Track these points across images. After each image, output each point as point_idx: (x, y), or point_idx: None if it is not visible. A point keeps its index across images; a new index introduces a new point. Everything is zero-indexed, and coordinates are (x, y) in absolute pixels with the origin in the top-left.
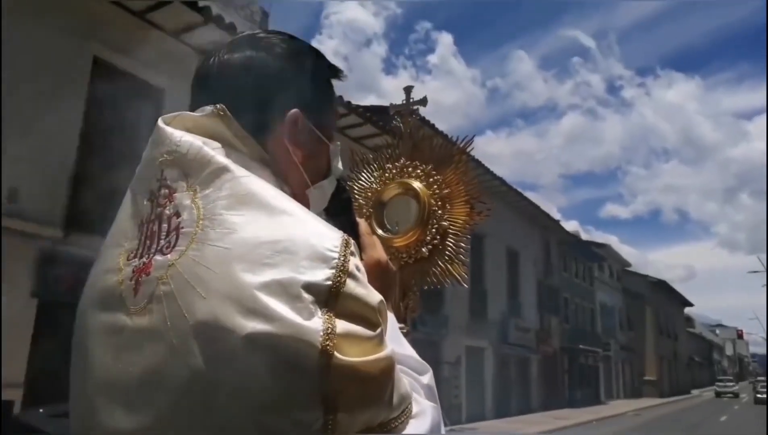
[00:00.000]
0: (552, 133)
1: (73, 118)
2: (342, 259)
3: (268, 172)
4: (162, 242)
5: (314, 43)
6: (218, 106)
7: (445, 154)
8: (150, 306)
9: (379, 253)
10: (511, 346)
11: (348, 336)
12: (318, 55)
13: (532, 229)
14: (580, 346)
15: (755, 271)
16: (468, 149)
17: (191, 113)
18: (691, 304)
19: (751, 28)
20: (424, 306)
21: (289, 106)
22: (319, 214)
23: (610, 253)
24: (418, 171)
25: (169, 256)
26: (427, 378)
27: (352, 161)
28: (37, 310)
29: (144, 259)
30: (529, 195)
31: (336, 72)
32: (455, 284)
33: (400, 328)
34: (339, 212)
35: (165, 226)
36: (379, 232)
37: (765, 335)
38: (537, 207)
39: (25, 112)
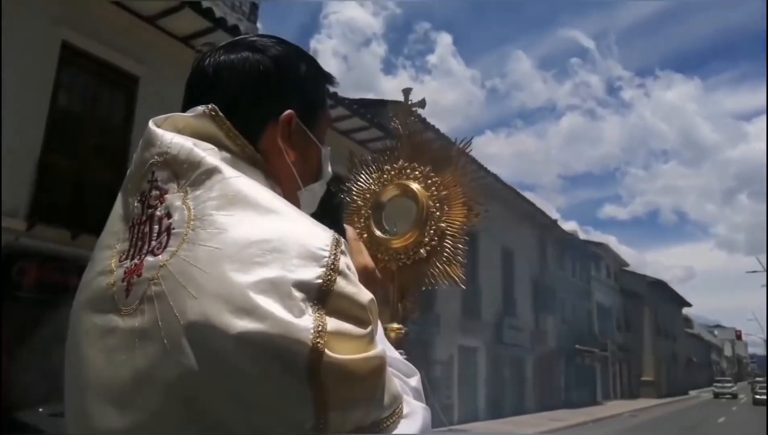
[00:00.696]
0: (551, 133)
1: (39, 105)
2: (332, 257)
3: (260, 173)
4: (153, 243)
5: (313, 43)
6: (209, 106)
7: (444, 156)
8: (142, 307)
9: (365, 259)
10: (505, 346)
11: (339, 334)
12: (311, 60)
13: (527, 227)
14: (577, 347)
15: (754, 272)
16: (466, 151)
17: (182, 114)
18: (689, 305)
19: (751, 29)
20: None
21: (282, 108)
22: None
23: (607, 252)
24: (417, 173)
25: (160, 257)
26: (415, 381)
27: (350, 163)
28: None
29: (135, 261)
30: (528, 195)
31: (328, 78)
32: (453, 285)
33: (398, 329)
34: (328, 217)
35: (156, 227)
36: (378, 233)
37: (764, 336)
38: (533, 205)
39: None
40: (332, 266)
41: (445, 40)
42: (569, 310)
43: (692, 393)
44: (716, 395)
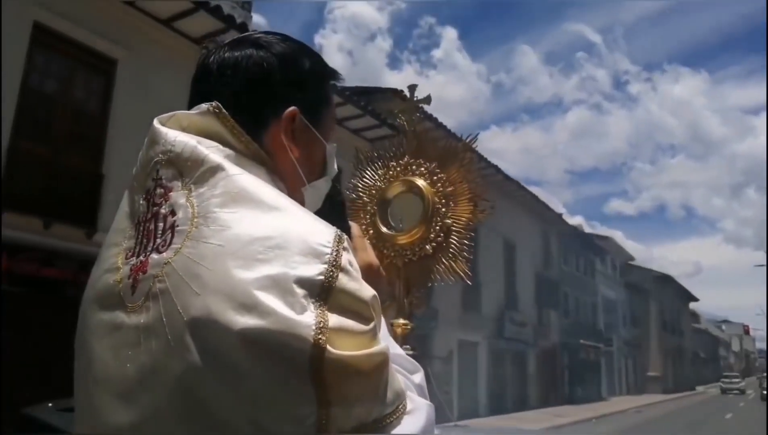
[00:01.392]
0: (557, 128)
1: (9, 88)
2: (334, 254)
3: (264, 170)
4: (158, 241)
5: (318, 38)
6: (213, 103)
7: (449, 152)
8: (147, 303)
9: (370, 256)
10: (507, 341)
11: (340, 330)
12: (316, 57)
13: (530, 220)
14: (581, 341)
15: (761, 265)
16: (472, 147)
17: (186, 112)
18: (696, 299)
19: (758, 23)
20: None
21: (286, 105)
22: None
23: (612, 246)
24: (422, 169)
25: (164, 254)
26: (419, 377)
27: (356, 159)
28: None
29: (141, 258)
30: (534, 190)
31: (334, 74)
32: (459, 281)
33: (405, 325)
34: (332, 214)
35: (161, 224)
36: (384, 229)
37: None
38: (535, 197)
39: None
40: (334, 263)
41: (450, 34)
42: (573, 304)
43: (699, 388)
44: (724, 391)
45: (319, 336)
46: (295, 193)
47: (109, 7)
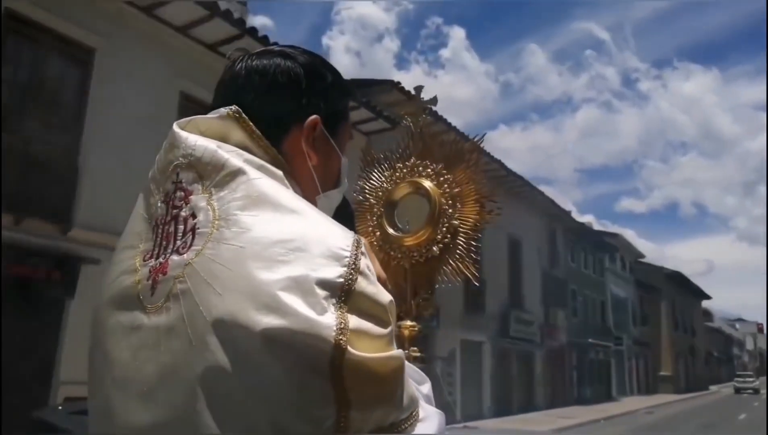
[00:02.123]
0: (567, 126)
1: None
2: (354, 257)
3: (281, 175)
4: (178, 243)
5: (325, 40)
6: (233, 108)
7: (456, 153)
8: (167, 304)
9: (377, 268)
10: (512, 341)
11: (360, 332)
12: (338, 73)
13: (535, 216)
14: (590, 341)
15: None
16: (479, 147)
17: (205, 116)
18: (708, 297)
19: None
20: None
21: (308, 114)
22: None
23: (621, 243)
24: (429, 170)
25: (185, 255)
26: (426, 388)
27: (363, 161)
28: None
29: (161, 260)
30: (544, 189)
31: (352, 93)
32: (467, 282)
33: (412, 327)
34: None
35: (181, 227)
36: (390, 231)
37: None
38: (541, 193)
39: None
40: (353, 266)
41: (458, 34)
42: (582, 302)
43: (713, 388)
44: (737, 390)
45: (340, 337)
46: (309, 199)
47: None
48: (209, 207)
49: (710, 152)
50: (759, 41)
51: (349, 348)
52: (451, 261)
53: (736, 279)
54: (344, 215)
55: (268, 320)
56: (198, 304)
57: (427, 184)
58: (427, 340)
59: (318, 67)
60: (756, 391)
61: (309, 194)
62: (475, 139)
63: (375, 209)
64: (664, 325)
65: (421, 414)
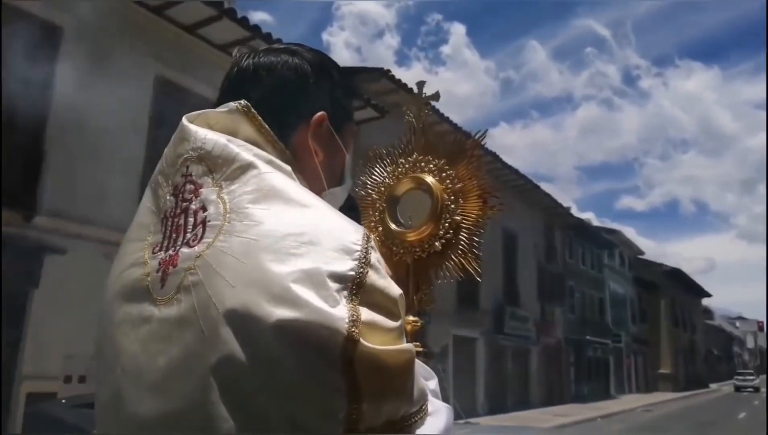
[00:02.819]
0: (567, 124)
1: None
2: (364, 251)
3: (290, 170)
4: (188, 235)
5: (326, 36)
6: (242, 102)
7: (458, 148)
8: (178, 296)
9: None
10: (507, 337)
11: (372, 325)
12: (344, 72)
13: (532, 210)
14: (587, 338)
15: None
16: (481, 143)
17: (214, 111)
18: (709, 295)
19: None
20: None
21: (315, 110)
22: None
23: (621, 239)
24: (431, 166)
25: (196, 248)
26: (433, 383)
27: (365, 157)
28: None
29: (170, 252)
30: (544, 186)
31: (357, 92)
32: (469, 278)
33: (414, 322)
34: None
35: (191, 219)
36: (393, 226)
37: None
38: (537, 187)
39: None
40: (364, 260)
41: (459, 31)
42: (579, 299)
43: (713, 386)
44: (737, 388)
45: (353, 329)
46: (316, 194)
47: None
48: (220, 200)
49: (710, 150)
50: (759, 39)
51: (361, 340)
52: (453, 256)
53: (737, 277)
54: (349, 214)
55: (281, 312)
56: (210, 295)
57: (430, 179)
58: (417, 335)
59: (325, 65)
60: (756, 389)
61: (315, 190)
62: (477, 136)
63: (377, 205)
64: (663, 323)
65: (430, 408)
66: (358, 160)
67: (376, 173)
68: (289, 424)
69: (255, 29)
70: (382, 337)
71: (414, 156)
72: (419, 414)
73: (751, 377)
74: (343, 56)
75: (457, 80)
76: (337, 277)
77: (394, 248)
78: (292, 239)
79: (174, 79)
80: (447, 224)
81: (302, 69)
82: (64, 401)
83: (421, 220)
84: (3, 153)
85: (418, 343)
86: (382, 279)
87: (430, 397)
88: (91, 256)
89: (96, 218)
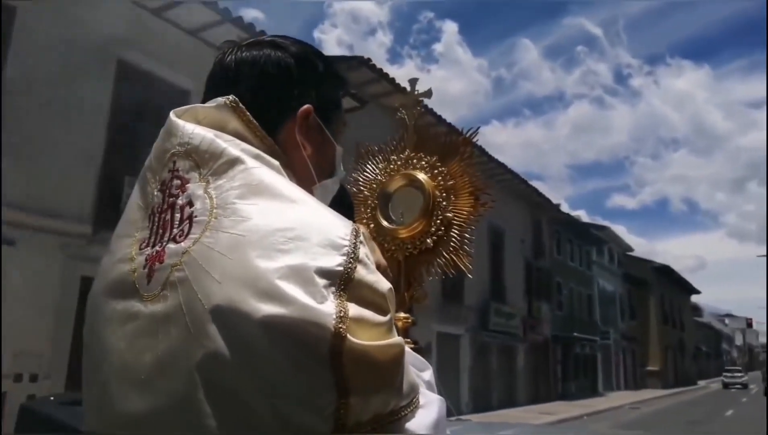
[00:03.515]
0: (559, 122)
1: None
2: (353, 246)
3: (278, 165)
4: (175, 231)
5: (318, 33)
6: (230, 97)
7: (450, 146)
8: (164, 292)
9: (377, 256)
10: (492, 334)
11: (360, 320)
12: (330, 62)
13: (519, 205)
14: (575, 335)
15: (762, 256)
16: (473, 140)
17: (202, 105)
18: (698, 292)
19: (762, 17)
20: None
21: (301, 103)
22: None
23: (610, 236)
24: (423, 162)
25: (182, 243)
26: (428, 375)
27: (357, 153)
28: None
29: (157, 248)
30: (535, 183)
31: (344, 82)
32: (460, 274)
33: (405, 319)
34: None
35: (178, 215)
36: (384, 223)
37: None
38: (525, 182)
39: None
40: (352, 255)
41: (451, 29)
42: (567, 295)
43: (701, 383)
44: (726, 385)
45: (340, 325)
46: (305, 189)
47: None
48: (207, 195)
49: (701, 149)
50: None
51: (348, 336)
52: (444, 253)
53: (726, 275)
54: (344, 205)
55: (268, 308)
56: (196, 292)
57: (422, 176)
58: (407, 332)
59: (309, 57)
60: (744, 386)
61: (305, 184)
62: (469, 133)
63: (369, 201)
64: (652, 320)
65: (422, 400)
66: (345, 153)
67: (368, 170)
68: (276, 420)
69: (250, 27)
70: (371, 332)
71: (406, 153)
72: (410, 407)
73: (740, 374)
74: (335, 54)
75: (450, 78)
76: (325, 273)
77: (386, 245)
78: (279, 235)
79: (138, 63)
80: (438, 221)
81: (285, 63)
82: (52, 398)
83: (413, 216)
84: None
85: (408, 340)
86: (371, 274)
87: (422, 389)
88: (44, 248)
89: (50, 209)
